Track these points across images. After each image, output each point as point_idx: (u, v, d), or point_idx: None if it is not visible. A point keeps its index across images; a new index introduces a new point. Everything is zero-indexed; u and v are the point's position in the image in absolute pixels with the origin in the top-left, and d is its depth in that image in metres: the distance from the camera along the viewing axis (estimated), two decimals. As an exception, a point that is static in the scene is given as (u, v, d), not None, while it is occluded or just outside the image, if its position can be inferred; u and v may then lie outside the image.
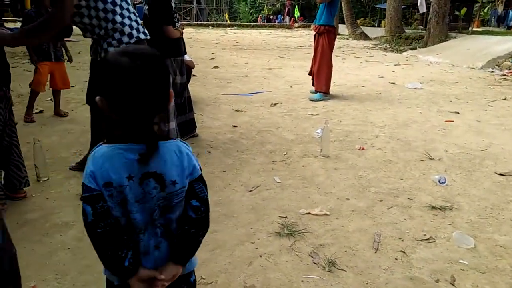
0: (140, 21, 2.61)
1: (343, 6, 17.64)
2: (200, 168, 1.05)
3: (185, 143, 1.05)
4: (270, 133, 4.04)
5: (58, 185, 2.70)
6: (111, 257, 0.95)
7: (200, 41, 14.37)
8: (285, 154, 3.43)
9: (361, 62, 9.78)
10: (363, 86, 6.61)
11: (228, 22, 30.66)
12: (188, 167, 1.00)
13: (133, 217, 0.96)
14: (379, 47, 13.86)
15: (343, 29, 18.91)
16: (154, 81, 0.92)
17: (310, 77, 5.88)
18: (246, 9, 40.28)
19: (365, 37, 17.11)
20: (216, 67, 8.16)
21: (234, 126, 4.23)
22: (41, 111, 4.42)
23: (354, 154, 3.46)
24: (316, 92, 5.63)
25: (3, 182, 2.37)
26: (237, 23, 29.80)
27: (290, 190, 2.76)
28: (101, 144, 0.97)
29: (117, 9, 2.39)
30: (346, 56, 11.04)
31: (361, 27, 18.70)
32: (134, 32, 2.47)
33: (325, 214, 2.41)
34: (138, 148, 0.94)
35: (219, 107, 5.05)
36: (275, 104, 5.25)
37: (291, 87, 6.45)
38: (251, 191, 2.73)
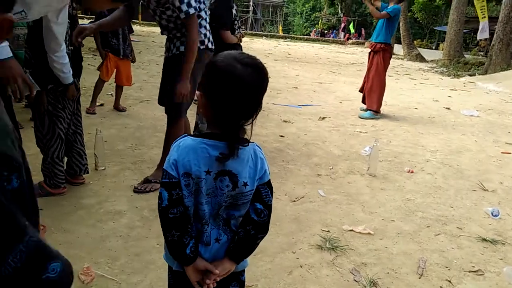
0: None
1: (400, 25, 17.31)
2: (269, 173, 1.09)
3: (259, 147, 1.10)
4: (316, 146, 4.04)
5: (114, 175, 2.85)
6: (176, 243, 1.01)
7: (253, 51, 14.61)
8: (330, 169, 3.42)
9: (415, 84, 9.53)
10: (416, 108, 6.45)
11: (281, 33, 30.95)
12: (260, 171, 1.05)
13: (202, 208, 1.02)
14: (435, 70, 13.44)
15: (398, 49, 18.53)
16: (257, 89, 0.98)
17: (361, 94, 5.82)
18: (301, 22, 40.51)
19: (421, 58, 16.66)
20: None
21: (281, 136, 4.27)
22: (101, 104, 4.69)
23: (402, 176, 3.39)
24: (366, 110, 5.56)
25: (65, 167, 2.55)
26: (290, 35, 30.01)
27: (334, 205, 2.75)
28: (186, 135, 1.04)
29: (200, 20, 2.56)
30: (400, 76, 10.80)
31: (418, 48, 18.23)
32: (206, 40, 2.64)
33: (369, 233, 2.38)
34: (221, 146, 1.00)
35: (267, 116, 5.11)
36: (324, 118, 5.25)
37: (340, 102, 6.41)
38: (294, 201, 2.75)
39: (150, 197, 2.57)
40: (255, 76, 0.98)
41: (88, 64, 7.16)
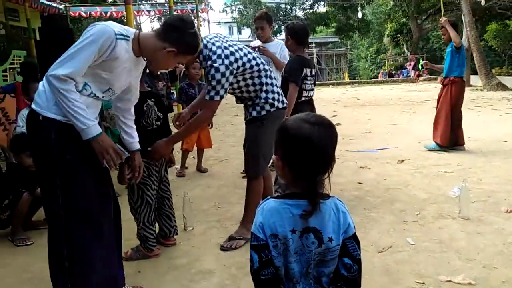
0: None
1: (474, 56, 16.50)
2: (354, 226, 1.11)
3: (340, 200, 1.14)
4: (398, 191, 3.88)
5: (202, 235, 3.00)
6: None
7: (321, 100, 14.77)
8: (417, 214, 3.25)
9: (500, 114, 8.86)
10: (505, 141, 5.95)
11: (348, 79, 31.02)
12: (344, 225, 1.08)
13: (291, 267, 1.06)
14: (522, 98, 12.39)
15: (476, 80, 17.54)
16: (327, 145, 1.05)
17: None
18: (366, 66, 40.36)
19: (502, 87, 15.51)
20: (338, 124, 8.25)
21: (360, 183, 4.18)
22: (186, 167, 5.03)
23: (500, 217, 3.10)
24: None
25: (157, 230, 2.75)
26: (357, 80, 29.95)
27: (426, 253, 2.58)
28: (269, 198, 1.12)
29: (263, 87, 2.75)
30: (482, 108, 10.13)
31: (497, 77, 17.06)
32: (275, 102, 2.79)
33: (470, 283, 2.19)
34: (302, 204, 1.06)
35: (343, 163, 5.06)
36: (403, 160, 5.06)
37: (419, 142, 6.14)
38: (382, 251, 2.64)
39: (236, 254, 2.64)
40: (323, 133, 1.05)
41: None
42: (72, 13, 12.84)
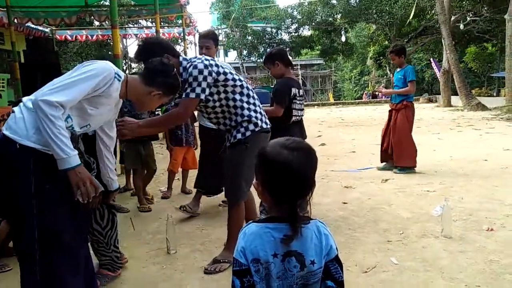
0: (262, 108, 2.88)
1: (455, 77, 17.01)
2: (336, 248, 1.11)
3: (322, 223, 1.14)
4: (382, 210, 3.91)
5: (185, 258, 2.95)
6: None
7: (306, 120, 14.76)
8: (401, 234, 3.28)
9: (480, 134, 9.07)
10: (485, 160, 6.08)
11: (332, 100, 31.48)
12: (326, 247, 1.08)
13: None
14: (501, 118, 12.73)
15: (456, 100, 18.01)
16: (306, 170, 1.07)
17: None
18: (350, 87, 41.08)
19: (482, 107, 15.95)
20: (323, 144, 8.34)
21: (344, 203, 4.21)
22: (171, 189, 4.98)
23: (481, 235, 3.15)
24: (397, 167, 5.56)
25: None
26: (341, 101, 30.43)
27: (410, 273, 2.59)
28: (251, 222, 1.12)
29: (245, 104, 2.69)
30: (463, 128, 10.37)
31: (477, 97, 17.55)
32: (259, 122, 2.72)
33: (453, 302, 2.20)
34: (283, 228, 1.06)
35: (327, 183, 5.09)
36: (387, 180, 5.12)
37: (402, 162, 6.22)
38: (366, 272, 2.64)
39: (220, 278, 2.61)
40: (302, 158, 1.06)
41: (157, 153, 7.73)
42: (58, 36, 12.82)
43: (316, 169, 1.13)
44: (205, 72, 2.52)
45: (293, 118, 3.61)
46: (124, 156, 4.59)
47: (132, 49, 30.70)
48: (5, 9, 6.55)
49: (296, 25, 30.77)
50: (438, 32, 20.38)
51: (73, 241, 1.85)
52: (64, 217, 1.83)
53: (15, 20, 8.44)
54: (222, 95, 2.64)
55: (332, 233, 1.18)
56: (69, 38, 13.68)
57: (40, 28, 10.67)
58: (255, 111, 2.74)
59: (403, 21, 25.56)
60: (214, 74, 2.57)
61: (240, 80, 2.72)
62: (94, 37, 13.74)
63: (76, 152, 1.79)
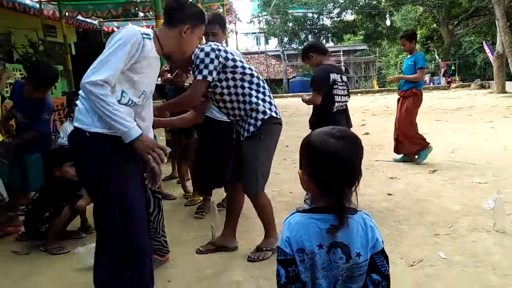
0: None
1: (509, 62, 15.93)
2: (382, 241, 1.10)
3: (368, 215, 1.13)
4: (430, 202, 3.78)
5: (229, 245, 3.02)
6: None
7: (349, 108, 14.61)
8: (450, 227, 3.16)
9: (540, 122, 8.49)
10: (544, 150, 5.70)
11: (377, 87, 30.53)
12: (372, 239, 1.08)
13: (319, 283, 1.06)
14: None
15: (511, 86, 16.91)
16: (353, 161, 1.06)
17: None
18: (396, 74, 39.61)
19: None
20: (367, 133, 8.15)
21: (389, 194, 4.10)
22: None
23: (538, 231, 2.97)
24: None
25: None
26: (386, 88, 29.50)
27: (459, 268, 2.51)
28: (295, 212, 1.13)
29: (253, 92, 2.63)
30: (519, 116, 9.73)
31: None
32: (267, 110, 2.64)
33: (506, 300, 2.11)
34: (329, 219, 1.06)
35: (372, 174, 4.99)
36: (434, 170, 4.93)
37: (452, 152, 5.97)
38: (412, 265, 2.58)
39: (263, 266, 2.65)
40: (349, 147, 1.05)
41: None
42: (105, 28, 13.32)
43: (362, 158, 1.11)
44: (212, 55, 2.50)
45: (336, 105, 3.54)
46: (169, 145, 4.72)
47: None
48: (56, 3, 6.89)
49: (338, 9, 30.01)
50: (491, 13, 19.07)
51: (146, 215, 2.04)
52: (138, 194, 1.98)
53: (66, 14, 8.84)
54: (231, 82, 2.60)
55: (377, 225, 1.16)
56: (115, 29, 14.14)
57: (89, 20, 11.11)
58: (264, 100, 2.66)
59: (453, 2, 24.17)
60: (221, 59, 2.55)
61: (250, 68, 2.67)
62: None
63: (134, 123, 1.86)
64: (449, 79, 26.10)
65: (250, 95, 2.63)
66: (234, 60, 2.60)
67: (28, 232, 3.17)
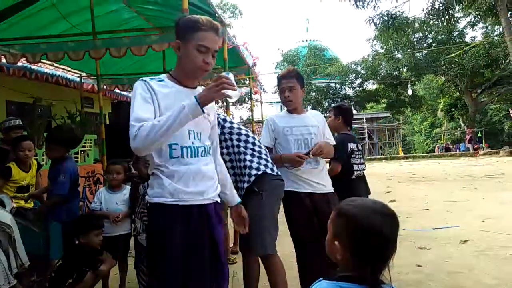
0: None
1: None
2: None
3: None
4: (462, 275, 3.60)
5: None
6: None
7: (374, 175, 14.46)
8: (485, 302, 2.98)
9: None
10: None
11: (402, 154, 30.27)
12: None
13: None
14: None
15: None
16: (395, 237, 1.10)
17: None
18: (421, 140, 39.40)
19: None
20: (393, 200, 7.98)
21: (419, 266, 3.93)
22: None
23: None
24: None
25: None
26: (412, 154, 29.21)
27: None
28: (321, 280, 1.14)
29: (248, 151, 2.72)
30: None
31: None
32: (262, 166, 2.67)
33: None
34: None
35: (399, 243, 4.74)
36: (466, 241, 4.72)
37: (483, 221, 5.74)
38: None
39: None
40: (392, 224, 1.09)
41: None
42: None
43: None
44: None
45: (355, 173, 3.60)
46: None
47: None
48: (95, 77, 7.46)
49: (360, 80, 30.88)
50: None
51: None
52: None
53: (104, 87, 9.50)
54: (229, 142, 2.76)
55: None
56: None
57: (124, 93, 11.84)
58: (259, 157, 2.72)
59: (474, 72, 24.56)
60: (220, 120, 2.73)
61: (246, 130, 2.85)
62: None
63: (183, 103, 1.66)
64: (476, 146, 25.70)
65: (245, 153, 2.72)
66: (231, 122, 2.84)
67: (50, 299, 3.16)
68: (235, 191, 2.22)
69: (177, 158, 1.78)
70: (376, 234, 1.06)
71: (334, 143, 3.10)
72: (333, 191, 2.94)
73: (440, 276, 3.61)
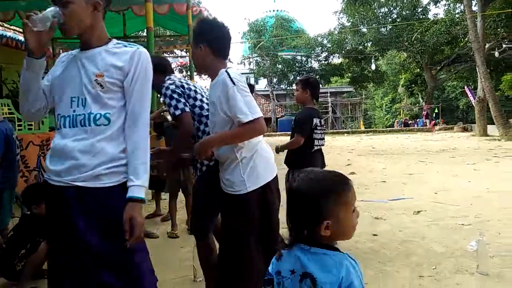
0: None
1: (490, 106, 16.52)
2: (363, 287, 1.09)
3: (354, 259, 1.14)
4: (415, 244, 3.78)
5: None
6: None
7: (336, 148, 14.82)
8: (434, 269, 3.15)
9: (519, 165, 8.69)
10: (525, 192, 5.81)
11: (363, 128, 31.12)
12: (345, 282, 1.06)
13: None
14: (542, 147, 12.18)
15: (493, 130, 17.41)
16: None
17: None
18: (382, 115, 40.58)
19: (521, 137, 15.32)
20: (353, 173, 8.21)
21: (374, 235, 4.10)
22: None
23: (521, 273, 2.98)
24: None
25: None
26: (372, 129, 30.07)
27: (443, 311, 2.48)
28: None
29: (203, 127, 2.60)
30: (500, 159, 9.97)
31: (515, 126, 16.90)
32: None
33: None
34: (303, 247, 1.15)
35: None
36: (419, 211, 4.96)
37: (436, 193, 6.04)
38: (397, 308, 2.55)
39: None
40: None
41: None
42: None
43: (329, 197, 1.15)
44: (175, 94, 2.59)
45: (315, 148, 3.64)
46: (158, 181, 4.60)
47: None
48: (51, 42, 7.05)
49: (326, 53, 31.05)
50: (472, 59, 19.97)
51: None
52: None
53: (60, 52, 8.98)
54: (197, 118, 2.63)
55: (361, 267, 1.16)
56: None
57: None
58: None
59: (435, 48, 25.28)
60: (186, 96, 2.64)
61: (201, 107, 2.66)
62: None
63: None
64: (433, 121, 26.79)
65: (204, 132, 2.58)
66: (195, 98, 2.65)
67: (2, 271, 3.05)
68: (139, 182, 1.59)
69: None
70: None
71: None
72: None
73: (394, 244, 3.78)
